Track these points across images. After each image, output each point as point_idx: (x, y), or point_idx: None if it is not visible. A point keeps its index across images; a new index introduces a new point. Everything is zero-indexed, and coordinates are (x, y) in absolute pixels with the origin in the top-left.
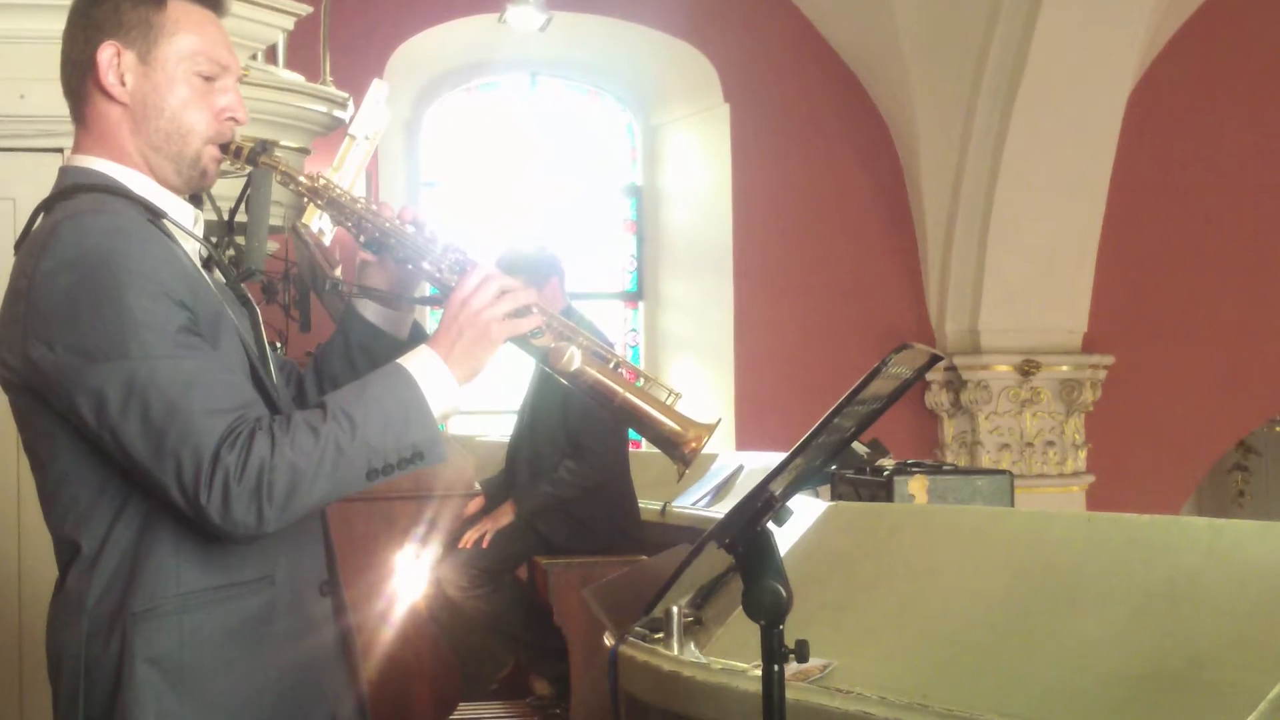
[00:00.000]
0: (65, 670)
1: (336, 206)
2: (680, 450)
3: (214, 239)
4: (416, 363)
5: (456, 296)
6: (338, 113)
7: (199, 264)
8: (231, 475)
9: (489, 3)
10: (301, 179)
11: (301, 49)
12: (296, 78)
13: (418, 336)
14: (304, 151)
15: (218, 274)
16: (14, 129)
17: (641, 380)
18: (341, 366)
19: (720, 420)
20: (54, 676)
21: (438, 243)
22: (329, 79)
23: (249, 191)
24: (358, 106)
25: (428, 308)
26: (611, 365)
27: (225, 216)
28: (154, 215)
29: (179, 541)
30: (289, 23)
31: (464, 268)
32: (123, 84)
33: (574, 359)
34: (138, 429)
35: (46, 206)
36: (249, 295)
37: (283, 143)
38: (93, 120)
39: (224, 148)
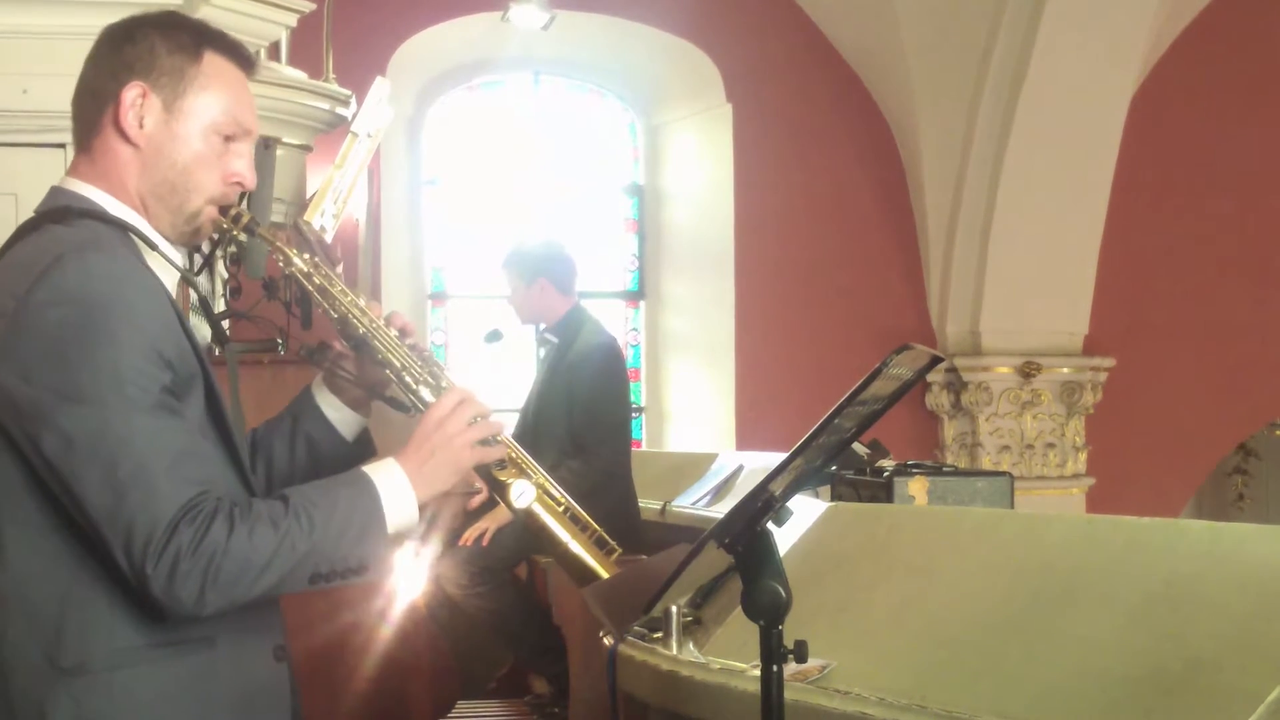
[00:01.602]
0: None
1: (325, 295)
2: None
3: (215, 235)
4: (384, 477)
5: (433, 416)
6: (340, 110)
7: (175, 296)
8: (184, 551)
9: (492, 1)
10: (296, 262)
11: (304, 46)
12: (299, 75)
13: (363, 442)
14: (306, 148)
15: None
16: (16, 124)
17: (586, 529)
18: (281, 448)
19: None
20: None
21: (417, 354)
22: (331, 76)
23: (248, 202)
24: (360, 104)
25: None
26: (562, 510)
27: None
28: (143, 243)
29: (113, 594)
30: (292, 19)
31: (438, 384)
32: (140, 126)
33: (527, 498)
34: (100, 481)
35: (35, 225)
36: (226, 335)
37: (285, 140)
38: (100, 152)
39: (223, 210)
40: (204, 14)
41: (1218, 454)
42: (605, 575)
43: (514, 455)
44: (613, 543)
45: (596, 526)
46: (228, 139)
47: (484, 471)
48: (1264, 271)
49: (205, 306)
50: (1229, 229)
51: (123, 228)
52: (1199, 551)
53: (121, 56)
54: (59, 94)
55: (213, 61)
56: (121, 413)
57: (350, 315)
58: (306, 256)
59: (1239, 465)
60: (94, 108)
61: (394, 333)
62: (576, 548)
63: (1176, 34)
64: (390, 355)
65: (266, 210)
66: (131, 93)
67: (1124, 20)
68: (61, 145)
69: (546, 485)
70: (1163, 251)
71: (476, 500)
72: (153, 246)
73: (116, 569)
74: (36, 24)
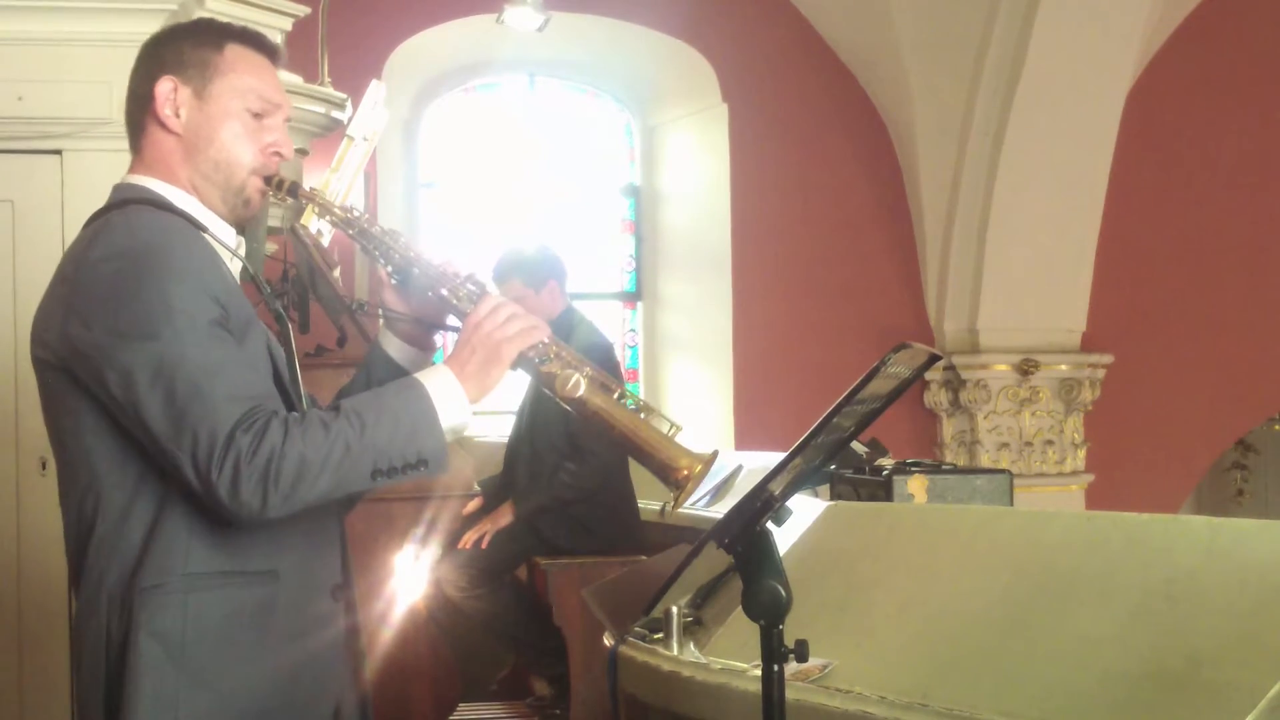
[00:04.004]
0: (87, 647)
1: (366, 236)
2: (672, 476)
3: None
4: (432, 378)
5: (471, 320)
6: (336, 113)
7: (238, 283)
8: (243, 456)
9: (487, 3)
10: (336, 210)
11: (299, 50)
12: (294, 79)
13: None
14: (302, 152)
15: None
16: (11, 131)
17: (643, 412)
18: None
19: (717, 452)
20: (76, 658)
21: (460, 275)
22: (327, 80)
23: None
24: (356, 107)
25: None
26: (615, 396)
27: None
28: (197, 229)
29: (192, 522)
30: (287, 23)
31: (479, 296)
32: (177, 115)
33: (579, 386)
34: (161, 406)
35: (99, 215)
36: (284, 314)
37: None
38: (148, 148)
39: (268, 180)
40: (198, 17)
41: (1217, 449)
42: (668, 451)
43: (557, 350)
44: (674, 422)
45: (653, 408)
46: (257, 115)
47: (529, 367)
48: (1262, 266)
49: (258, 283)
50: (1226, 224)
51: (176, 213)
52: (1199, 547)
53: (155, 57)
54: (54, 101)
55: (234, 50)
56: (173, 341)
57: (393, 250)
58: (344, 206)
59: (1238, 460)
60: (137, 109)
61: (436, 261)
62: (631, 428)
63: (1172, 30)
64: (434, 279)
65: (261, 237)
66: (164, 86)
67: (1119, 16)
68: (58, 152)
69: (598, 375)
70: (1160, 247)
71: (472, 505)
72: (202, 229)
73: (191, 498)
74: (31, 31)
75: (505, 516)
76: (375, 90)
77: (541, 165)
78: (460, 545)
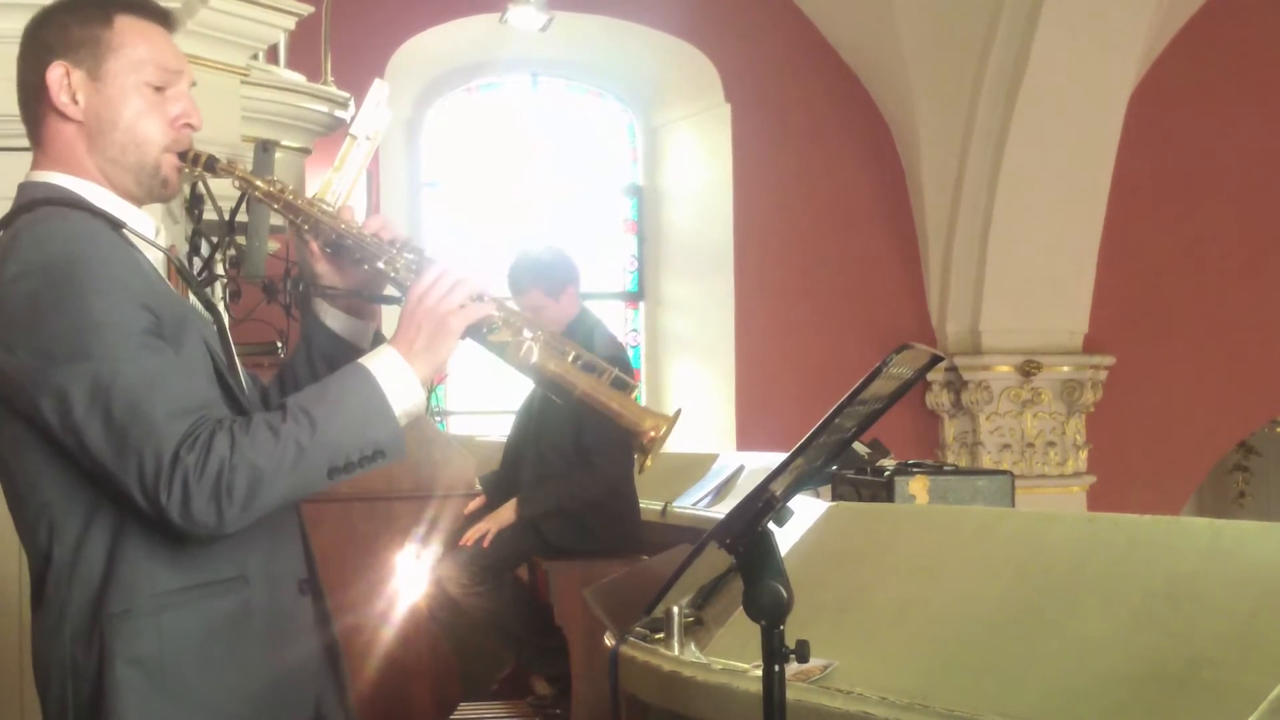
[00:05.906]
0: (53, 678)
1: (293, 210)
2: (639, 440)
3: (214, 238)
4: (377, 362)
5: (413, 293)
6: (339, 113)
7: (163, 273)
8: (191, 474)
9: (490, 3)
10: (258, 184)
11: (303, 49)
12: (298, 78)
13: (378, 345)
14: (305, 151)
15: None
16: (13, 129)
17: (599, 373)
18: (305, 375)
19: (680, 411)
20: (42, 687)
21: (395, 244)
22: (330, 79)
23: (248, 202)
24: (359, 106)
25: (389, 308)
26: (570, 358)
27: (226, 216)
28: (115, 226)
29: (152, 541)
30: (290, 22)
31: (420, 267)
32: (75, 102)
33: (532, 352)
34: (100, 429)
35: (6, 222)
36: (214, 303)
37: (284, 142)
38: (49, 140)
39: (183, 155)
40: (201, 16)
41: (1218, 451)
42: (625, 412)
43: (506, 315)
44: (630, 380)
45: (609, 368)
46: (159, 88)
47: (479, 337)
48: (1263, 268)
49: (183, 272)
50: (1228, 226)
51: (91, 211)
52: (1200, 549)
53: (39, 42)
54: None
55: (124, 21)
56: (106, 359)
57: (321, 222)
58: (268, 179)
59: (1240, 462)
60: (32, 101)
61: (369, 233)
62: (591, 391)
63: (1175, 32)
64: (368, 252)
65: (263, 235)
66: (55, 73)
67: (1122, 18)
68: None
69: (548, 338)
70: (1162, 249)
71: (473, 504)
72: (119, 223)
73: (143, 514)
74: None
75: (507, 515)
76: (378, 89)
77: (544, 165)
78: (461, 544)
